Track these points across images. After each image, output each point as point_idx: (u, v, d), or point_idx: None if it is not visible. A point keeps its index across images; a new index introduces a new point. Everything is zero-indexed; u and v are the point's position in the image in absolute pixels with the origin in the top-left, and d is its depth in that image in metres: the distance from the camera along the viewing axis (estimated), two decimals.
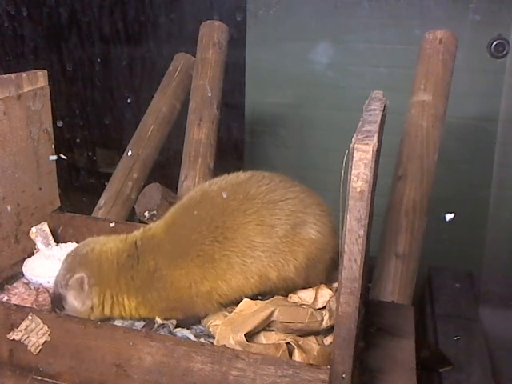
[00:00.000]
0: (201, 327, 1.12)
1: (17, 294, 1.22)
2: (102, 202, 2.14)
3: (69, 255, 1.13)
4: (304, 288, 1.12)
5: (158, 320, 1.10)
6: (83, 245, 1.14)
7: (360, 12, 2.88)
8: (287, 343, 1.00)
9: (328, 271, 1.14)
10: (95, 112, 3.49)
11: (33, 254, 1.36)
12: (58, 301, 1.11)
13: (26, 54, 3.09)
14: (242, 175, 1.13)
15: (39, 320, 1.01)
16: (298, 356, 0.98)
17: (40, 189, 1.38)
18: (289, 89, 3.06)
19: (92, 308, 1.09)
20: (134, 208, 1.84)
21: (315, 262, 1.09)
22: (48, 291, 1.22)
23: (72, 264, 1.11)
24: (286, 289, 1.11)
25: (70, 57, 3.27)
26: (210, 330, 1.09)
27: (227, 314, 1.09)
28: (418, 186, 1.70)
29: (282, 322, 1.02)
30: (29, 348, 1.01)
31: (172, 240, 1.09)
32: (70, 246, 1.37)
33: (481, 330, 2.00)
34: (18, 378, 1.03)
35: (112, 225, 1.39)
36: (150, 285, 1.08)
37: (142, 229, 1.16)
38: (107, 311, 1.10)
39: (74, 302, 1.09)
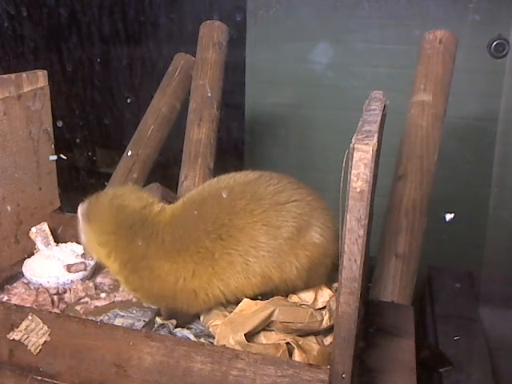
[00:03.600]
0: (201, 327, 1.12)
1: (17, 294, 1.22)
2: None
3: (109, 187, 1.16)
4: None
5: (158, 320, 1.10)
6: (118, 188, 1.17)
7: (360, 12, 2.88)
8: (287, 343, 1.00)
9: (329, 275, 1.14)
10: (95, 112, 3.48)
11: (33, 254, 1.36)
12: None
13: (26, 53, 3.09)
14: (250, 174, 1.12)
15: (39, 320, 1.01)
16: (297, 356, 0.98)
17: (40, 189, 1.38)
18: (289, 89, 3.06)
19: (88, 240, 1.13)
20: None
21: (317, 266, 1.09)
22: (48, 291, 1.22)
23: (95, 195, 1.14)
24: (287, 291, 1.11)
25: (70, 57, 3.26)
26: (210, 329, 1.09)
27: (227, 313, 1.09)
28: (418, 186, 1.69)
29: (281, 322, 1.02)
30: (29, 348, 1.01)
31: (173, 232, 1.07)
32: (70, 246, 1.38)
33: (481, 330, 1.99)
34: (18, 378, 1.03)
35: None
36: (136, 269, 1.07)
37: (160, 207, 1.12)
38: (102, 254, 1.11)
39: (80, 225, 1.14)
